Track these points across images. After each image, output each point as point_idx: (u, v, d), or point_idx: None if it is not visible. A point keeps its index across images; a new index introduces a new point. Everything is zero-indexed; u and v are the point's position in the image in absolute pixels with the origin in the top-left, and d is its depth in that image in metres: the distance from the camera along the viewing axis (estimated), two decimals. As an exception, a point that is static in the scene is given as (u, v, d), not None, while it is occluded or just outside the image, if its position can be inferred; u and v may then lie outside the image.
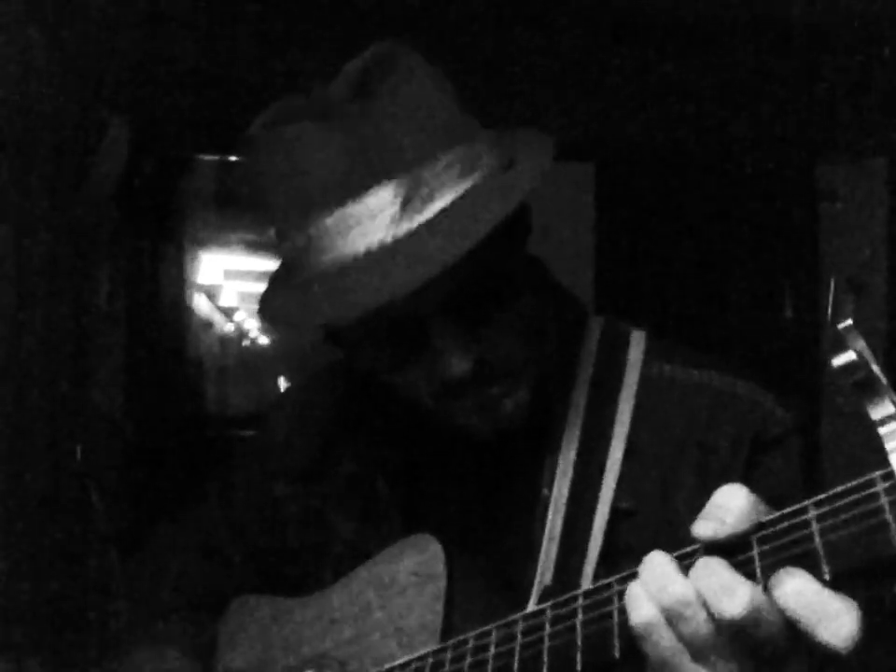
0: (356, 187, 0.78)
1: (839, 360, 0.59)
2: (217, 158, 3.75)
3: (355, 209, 0.78)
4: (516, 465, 0.93)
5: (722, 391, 0.91)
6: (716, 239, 3.28)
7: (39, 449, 2.41)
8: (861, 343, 0.60)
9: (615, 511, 0.86)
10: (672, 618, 0.59)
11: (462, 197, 0.79)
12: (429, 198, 0.78)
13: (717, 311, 3.26)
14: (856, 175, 3.12)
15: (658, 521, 0.86)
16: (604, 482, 0.87)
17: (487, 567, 0.89)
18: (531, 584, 0.85)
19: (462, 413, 0.87)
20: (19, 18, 2.17)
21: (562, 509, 0.87)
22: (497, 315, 0.84)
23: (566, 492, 0.88)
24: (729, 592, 0.57)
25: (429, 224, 0.77)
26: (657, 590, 0.60)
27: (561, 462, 0.89)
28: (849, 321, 0.60)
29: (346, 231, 0.78)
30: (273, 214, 0.86)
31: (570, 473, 0.89)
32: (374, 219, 0.78)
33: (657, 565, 0.61)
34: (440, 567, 0.83)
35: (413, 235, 0.77)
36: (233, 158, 3.68)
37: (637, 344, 0.95)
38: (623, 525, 0.85)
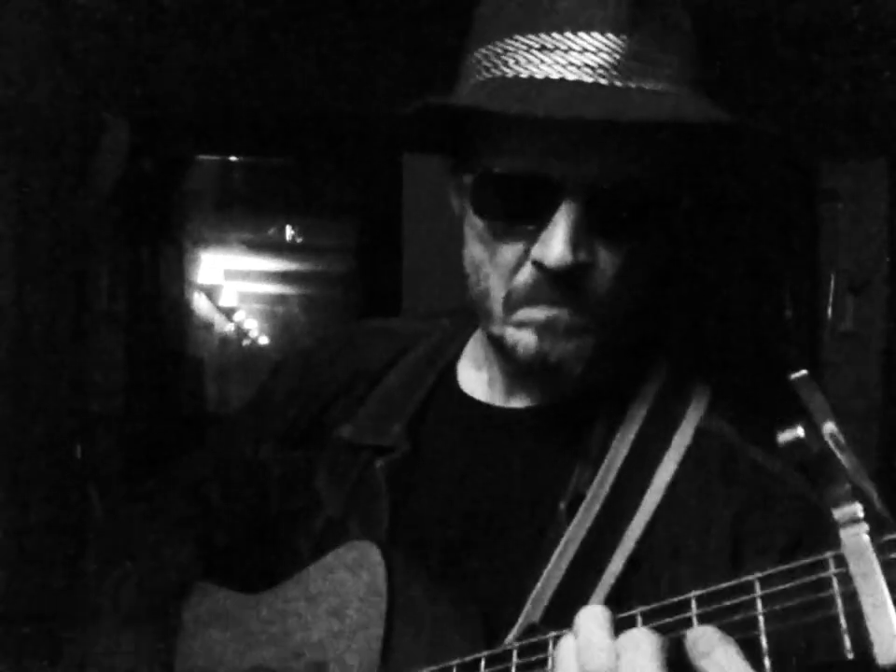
0: (588, 21, 0.78)
1: (785, 437, 0.52)
2: (216, 158, 3.75)
3: (575, 39, 0.78)
4: (537, 476, 0.88)
5: (775, 480, 0.83)
6: (716, 238, 3.28)
7: (39, 449, 2.41)
8: (818, 397, 0.53)
9: (632, 561, 0.80)
10: None
11: (673, 94, 0.79)
12: (645, 73, 0.78)
13: (717, 311, 3.26)
14: (856, 175, 3.12)
15: (672, 582, 0.79)
16: (630, 527, 0.81)
17: (449, 586, 0.83)
18: (517, 613, 0.80)
19: (519, 325, 0.83)
20: (19, 18, 2.17)
21: (576, 542, 0.81)
22: (620, 244, 0.81)
23: (586, 526, 0.82)
24: None
25: (638, 90, 0.77)
26: (584, 658, 0.58)
27: (590, 494, 0.83)
28: (804, 371, 0.53)
29: (553, 52, 0.78)
30: (484, 16, 0.85)
31: (596, 508, 0.83)
32: (584, 54, 0.77)
33: (591, 626, 0.59)
34: (381, 583, 0.78)
35: (620, 88, 0.77)
36: (233, 158, 3.68)
37: (699, 397, 0.89)
38: (636, 578, 0.79)
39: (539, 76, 0.78)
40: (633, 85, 0.77)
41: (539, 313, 0.82)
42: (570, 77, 0.77)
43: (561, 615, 0.67)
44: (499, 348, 0.88)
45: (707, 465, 0.84)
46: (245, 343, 7.90)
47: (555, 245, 0.78)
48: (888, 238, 3.06)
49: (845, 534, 0.51)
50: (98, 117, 2.82)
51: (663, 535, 0.81)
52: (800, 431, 0.52)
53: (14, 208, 2.22)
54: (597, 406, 0.89)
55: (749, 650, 0.52)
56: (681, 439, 0.85)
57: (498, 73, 0.80)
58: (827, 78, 2.72)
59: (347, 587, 0.82)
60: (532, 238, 0.81)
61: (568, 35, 0.78)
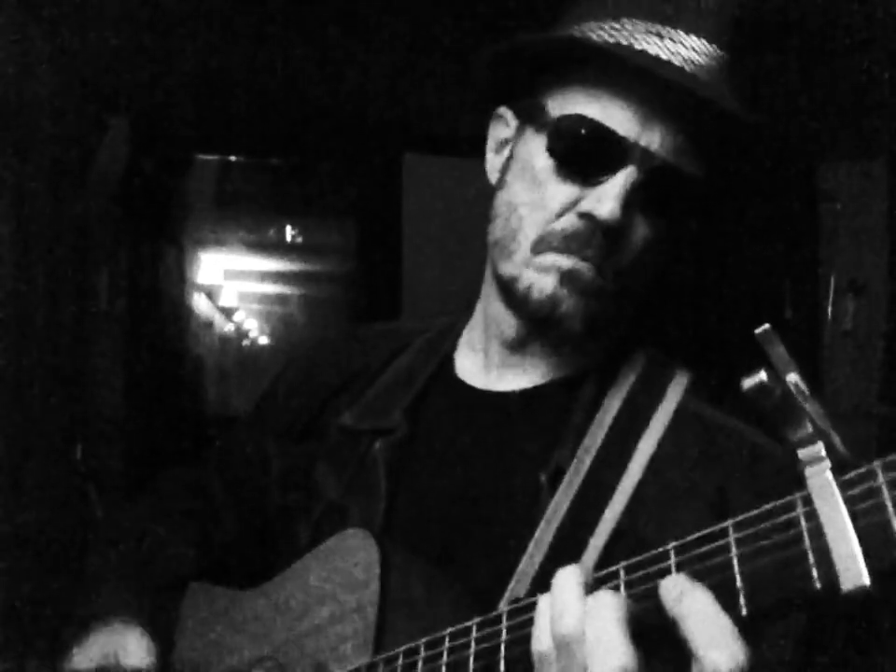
0: (697, 27, 0.87)
1: (749, 382, 0.55)
2: (217, 158, 3.75)
3: (686, 37, 0.86)
4: (521, 453, 0.91)
5: (755, 445, 0.88)
6: (716, 239, 3.28)
7: (39, 449, 2.41)
8: (781, 350, 0.56)
9: (616, 534, 0.83)
10: (558, 649, 0.59)
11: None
12: (727, 85, 0.88)
13: (717, 311, 3.26)
14: (856, 175, 3.12)
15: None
16: (612, 501, 0.84)
17: (442, 569, 0.85)
18: (504, 587, 0.82)
19: (541, 268, 0.88)
20: (19, 18, 2.17)
21: (559, 516, 0.84)
22: (656, 220, 0.88)
23: (569, 500, 0.85)
24: (605, 652, 0.56)
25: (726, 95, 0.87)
26: (554, 616, 0.60)
27: (571, 470, 0.87)
28: (767, 326, 0.56)
29: (663, 39, 0.86)
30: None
31: (578, 482, 0.86)
32: (690, 51, 0.86)
33: (563, 588, 0.61)
34: (374, 570, 0.80)
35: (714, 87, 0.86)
36: (233, 158, 3.68)
37: (678, 382, 0.94)
38: (620, 550, 0.81)
39: (652, 52, 0.85)
40: (722, 90, 0.86)
41: (566, 261, 0.87)
42: (676, 63, 0.85)
43: (546, 588, 0.69)
44: (509, 292, 0.92)
45: (687, 441, 0.88)
46: (245, 343, 7.90)
47: (611, 200, 0.84)
48: (888, 238, 3.06)
49: (809, 472, 0.53)
50: (98, 117, 2.82)
51: (646, 507, 0.84)
52: (763, 376, 0.54)
53: (14, 208, 2.22)
54: (581, 388, 0.94)
55: (725, 591, 0.54)
56: (661, 418, 0.89)
57: (613, 41, 0.87)
58: (827, 78, 2.72)
59: (341, 574, 0.83)
60: (582, 191, 0.87)
61: (680, 32, 0.86)
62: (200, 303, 5.72)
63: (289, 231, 5.64)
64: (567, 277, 0.87)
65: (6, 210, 2.18)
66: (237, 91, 2.86)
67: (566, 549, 0.82)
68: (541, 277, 0.88)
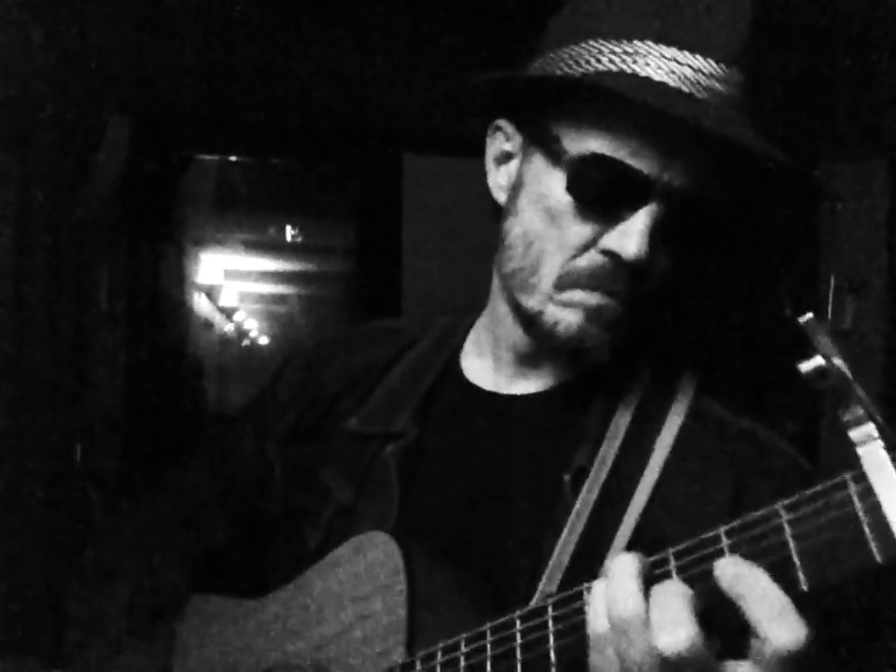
0: (717, 49, 0.85)
1: (806, 366, 0.57)
2: (216, 158, 3.75)
3: (703, 63, 0.85)
4: (540, 454, 0.91)
5: (767, 446, 0.89)
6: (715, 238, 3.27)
7: (39, 449, 2.41)
8: (826, 339, 0.58)
9: (638, 533, 0.84)
10: (616, 632, 0.61)
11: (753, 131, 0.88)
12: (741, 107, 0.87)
13: (716, 310, 3.26)
14: (856, 175, 3.12)
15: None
16: (633, 501, 0.85)
17: (463, 567, 0.85)
18: (532, 587, 0.83)
19: (565, 304, 0.87)
20: (19, 18, 2.17)
21: (584, 517, 0.85)
22: (676, 250, 0.87)
23: (593, 499, 0.86)
24: (672, 625, 0.58)
25: (741, 121, 0.86)
26: (612, 601, 0.61)
27: (593, 468, 0.87)
28: (810, 314, 0.58)
29: (682, 66, 0.84)
30: (606, 10, 0.88)
31: (601, 481, 0.87)
32: (710, 80, 0.84)
33: (621, 574, 0.62)
34: (399, 571, 0.80)
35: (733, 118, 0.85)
36: (233, 158, 3.68)
37: (688, 382, 0.94)
38: (641, 547, 0.82)
39: (672, 84, 0.83)
40: (740, 119, 0.85)
41: (592, 298, 0.86)
42: (696, 95, 0.83)
43: (575, 586, 0.70)
44: (529, 324, 0.92)
45: (701, 438, 0.89)
46: (245, 343, 7.90)
47: (636, 239, 0.83)
48: (887, 238, 3.06)
49: (863, 451, 0.55)
50: (98, 117, 2.82)
51: (666, 504, 0.85)
52: (821, 360, 0.56)
53: (14, 208, 2.22)
54: (594, 390, 0.93)
55: (782, 570, 0.56)
56: (675, 417, 0.90)
57: (629, 70, 0.84)
58: (827, 78, 2.72)
59: (363, 577, 0.83)
60: (604, 227, 0.85)
61: (698, 57, 0.84)
62: (200, 303, 5.72)
63: (289, 231, 5.64)
64: (594, 313, 0.87)
65: (6, 210, 2.18)
66: (237, 91, 2.86)
67: (591, 548, 0.83)
68: (567, 314, 0.87)
